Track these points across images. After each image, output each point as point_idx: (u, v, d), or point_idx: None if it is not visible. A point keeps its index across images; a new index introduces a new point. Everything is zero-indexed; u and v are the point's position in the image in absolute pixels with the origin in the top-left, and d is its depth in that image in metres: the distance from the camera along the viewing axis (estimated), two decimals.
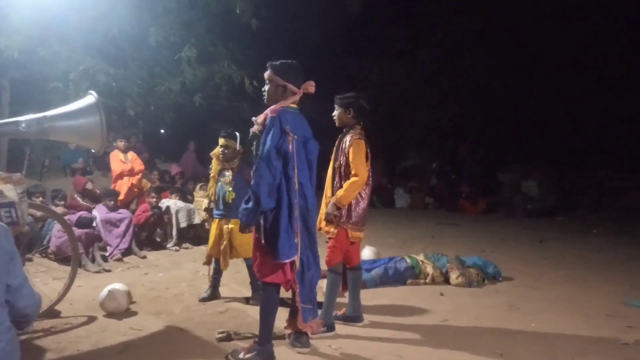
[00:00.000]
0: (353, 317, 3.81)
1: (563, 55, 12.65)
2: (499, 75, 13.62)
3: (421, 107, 14.46)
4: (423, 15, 13.82)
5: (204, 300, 4.35)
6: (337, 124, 3.81)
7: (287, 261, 3.00)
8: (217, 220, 4.36)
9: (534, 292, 4.81)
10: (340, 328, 3.68)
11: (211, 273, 4.44)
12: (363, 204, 3.72)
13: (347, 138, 3.70)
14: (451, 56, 13.93)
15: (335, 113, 3.80)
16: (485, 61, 13.50)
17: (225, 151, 4.33)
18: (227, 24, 9.19)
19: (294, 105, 3.13)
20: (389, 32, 14.27)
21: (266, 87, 3.17)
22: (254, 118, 3.11)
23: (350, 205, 3.65)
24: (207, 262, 4.46)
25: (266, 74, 3.15)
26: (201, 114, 10.34)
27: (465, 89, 13.94)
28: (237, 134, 4.30)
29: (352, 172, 3.60)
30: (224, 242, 4.25)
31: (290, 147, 2.97)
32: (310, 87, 3.16)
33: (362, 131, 3.75)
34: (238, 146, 4.30)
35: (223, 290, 4.60)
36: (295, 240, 3.03)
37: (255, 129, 3.07)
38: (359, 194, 3.68)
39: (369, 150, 3.73)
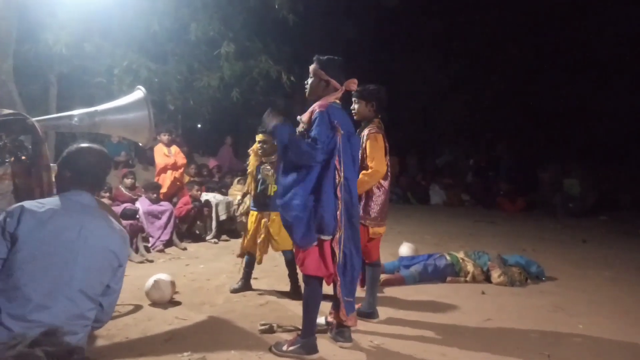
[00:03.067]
0: (368, 313, 3.76)
1: (603, 50, 12.21)
2: (537, 70, 13.27)
3: (455, 103, 14.24)
4: (458, 9, 13.59)
5: (235, 291, 4.41)
6: (356, 118, 3.69)
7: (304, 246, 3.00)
8: (256, 213, 4.37)
9: (578, 293, 4.68)
10: (381, 324, 3.68)
11: (243, 266, 4.51)
12: (381, 199, 3.67)
13: (365, 132, 3.64)
14: (487, 51, 13.65)
15: (356, 106, 3.71)
16: (522, 56, 13.18)
17: (264, 146, 4.36)
18: (263, 19, 9.24)
19: (338, 101, 3.14)
20: (422, 26, 14.07)
21: (309, 80, 3.18)
22: (299, 117, 3.11)
23: (366, 200, 3.62)
24: (241, 256, 4.51)
25: (312, 67, 3.16)
26: (237, 108, 10.45)
27: (501, 85, 13.65)
28: None
29: (369, 165, 3.54)
30: (262, 236, 4.29)
31: (338, 141, 2.98)
32: (352, 84, 3.20)
33: (380, 124, 3.68)
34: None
35: (262, 283, 4.67)
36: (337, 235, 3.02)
37: (300, 127, 3.06)
38: (377, 187, 3.64)
39: (387, 145, 3.66)
